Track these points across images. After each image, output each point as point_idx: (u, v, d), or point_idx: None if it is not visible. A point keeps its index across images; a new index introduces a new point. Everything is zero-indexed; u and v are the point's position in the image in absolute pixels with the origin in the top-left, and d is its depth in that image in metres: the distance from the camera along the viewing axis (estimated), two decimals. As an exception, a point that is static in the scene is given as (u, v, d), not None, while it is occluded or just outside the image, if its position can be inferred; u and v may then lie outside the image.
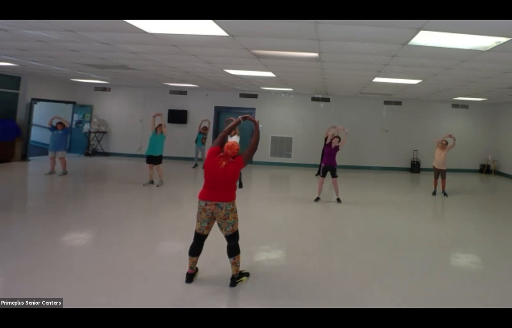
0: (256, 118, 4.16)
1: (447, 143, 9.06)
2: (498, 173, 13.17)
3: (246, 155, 3.82)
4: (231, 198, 3.70)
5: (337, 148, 7.90)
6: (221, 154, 3.68)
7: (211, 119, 13.22)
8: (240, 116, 4.05)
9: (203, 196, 3.68)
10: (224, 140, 3.88)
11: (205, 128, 12.07)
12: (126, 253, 4.57)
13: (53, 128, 9.54)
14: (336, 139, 7.93)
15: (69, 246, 4.91)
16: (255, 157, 10.96)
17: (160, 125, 8.76)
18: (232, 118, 8.82)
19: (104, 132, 13.95)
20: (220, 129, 10.43)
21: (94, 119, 13.85)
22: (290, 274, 4.15)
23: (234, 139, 8.55)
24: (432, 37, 4.29)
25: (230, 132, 4.19)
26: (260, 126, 4.11)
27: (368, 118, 13.62)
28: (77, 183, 9.12)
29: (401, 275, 4.31)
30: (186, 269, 3.81)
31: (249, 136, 4.07)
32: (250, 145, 3.90)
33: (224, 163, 3.61)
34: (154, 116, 8.88)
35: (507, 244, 5.71)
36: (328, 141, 8.04)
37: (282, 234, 5.72)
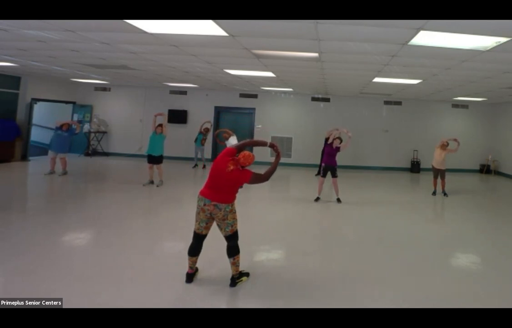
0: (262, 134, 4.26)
1: (448, 144, 9.01)
2: (498, 173, 13.16)
3: (256, 177, 3.70)
4: (230, 200, 3.69)
5: (338, 149, 7.89)
6: (234, 157, 3.66)
7: (211, 120, 13.22)
8: (268, 142, 4.08)
9: (203, 193, 3.68)
10: (243, 148, 3.85)
11: (207, 130, 12.03)
12: (126, 253, 4.57)
13: (57, 128, 9.53)
14: (338, 141, 7.92)
15: (69, 246, 4.91)
16: (255, 157, 10.94)
17: (160, 125, 8.74)
18: (226, 129, 9.01)
19: (104, 132, 13.95)
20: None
21: (94, 119, 13.85)
22: (290, 274, 4.15)
23: (231, 139, 8.54)
24: (432, 37, 4.29)
25: (252, 145, 4.43)
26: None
27: (368, 118, 13.62)
28: (77, 183, 9.12)
29: (401, 275, 4.31)
30: (186, 269, 3.81)
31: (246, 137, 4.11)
32: (266, 172, 3.80)
33: (231, 167, 3.59)
34: (155, 116, 8.89)
35: (507, 244, 5.71)
36: (329, 142, 8.03)
37: (282, 234, 5.72)
